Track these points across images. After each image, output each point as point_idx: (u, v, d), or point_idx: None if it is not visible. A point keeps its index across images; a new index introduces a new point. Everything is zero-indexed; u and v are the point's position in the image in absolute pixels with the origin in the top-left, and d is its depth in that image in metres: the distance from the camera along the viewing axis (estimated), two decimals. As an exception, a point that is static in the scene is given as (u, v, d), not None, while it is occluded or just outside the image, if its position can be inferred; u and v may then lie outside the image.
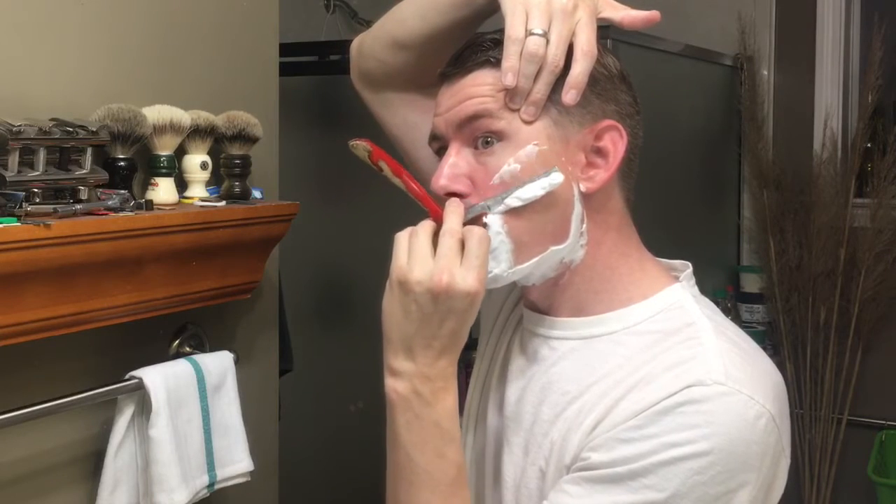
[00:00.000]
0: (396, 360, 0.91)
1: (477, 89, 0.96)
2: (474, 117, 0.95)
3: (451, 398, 0.93)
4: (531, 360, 1.02)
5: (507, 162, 0.94)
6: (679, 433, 0.86)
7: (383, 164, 0.96)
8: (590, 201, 0.96)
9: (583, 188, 0.95)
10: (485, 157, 0.95)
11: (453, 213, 0.93)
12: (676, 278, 1.01)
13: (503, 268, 0.94)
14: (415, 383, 0.91)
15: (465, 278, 0.89)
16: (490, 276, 0.93)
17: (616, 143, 0.95)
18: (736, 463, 0.87)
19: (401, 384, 0.91)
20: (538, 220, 0.94)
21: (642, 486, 0.86)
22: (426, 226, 0.93)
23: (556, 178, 0.93)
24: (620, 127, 0.96)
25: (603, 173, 0.96)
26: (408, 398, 0.91)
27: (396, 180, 0.96)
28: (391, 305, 0.91)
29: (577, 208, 0.95)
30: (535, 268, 0.96)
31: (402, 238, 0.92)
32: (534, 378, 1.01)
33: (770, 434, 0.89)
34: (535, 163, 0.94)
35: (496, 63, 0.94)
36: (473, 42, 0.99)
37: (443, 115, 0.98)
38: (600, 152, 0.96)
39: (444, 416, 0.92)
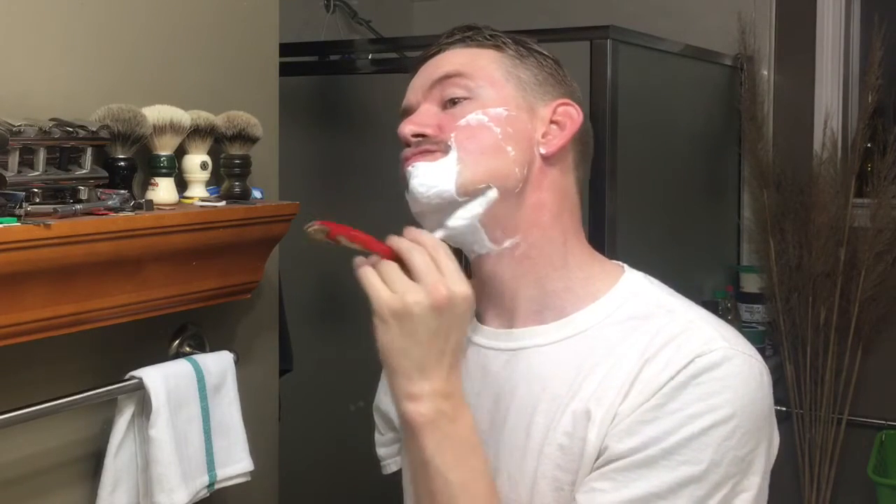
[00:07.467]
0: (412, 385, 0.89)
1: (453, 58, 1.03)
2: (448, 76, 1.01)
3: (469, 410, 0.92)
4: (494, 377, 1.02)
5: (475, 111, 0.99)
6: (701, 403, 0.88)
7: (341, 238, 0.94)
8: (547, 171, 1.02)
9: (542, 151, 1.01)
10: (452, 109, 1.01)
11: (405, 236, 0.94)
12: (619, 265, 1.05)
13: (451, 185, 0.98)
14: (437, 402, 0.89)
15: (455, 284, 0.89)
16: (435, 190, 0.98)
17: (572, 117, 1.03)
18: (754, 421, 0.90)
19: (424, 406, 0.89)
20: (488, 163, 0.99)
21: (678, 463, 0.87)
22: (384, 259, 0.93)
23: (492, 194, 0.99)
24: (575, 105, 1.04)
25: (559, 139, 1.02)
26: (434, 419, 0.89)
27: (354, 245, 0.95)
28: (391, 339, 0.89)
29: (536, 162, 1.01)
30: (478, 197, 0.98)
31: (368, 273, 0.91)
32: (511, 395, 1.00)
33: (769, 385, 0.93)
34: (504, 122, 0.99)
35: (470, 41, 1.03)
36: (445, 34, 1.06)
37: (415, 86, 1.04)
38: (558, 125, 1.03)
39: (468, 429, 0.91)
